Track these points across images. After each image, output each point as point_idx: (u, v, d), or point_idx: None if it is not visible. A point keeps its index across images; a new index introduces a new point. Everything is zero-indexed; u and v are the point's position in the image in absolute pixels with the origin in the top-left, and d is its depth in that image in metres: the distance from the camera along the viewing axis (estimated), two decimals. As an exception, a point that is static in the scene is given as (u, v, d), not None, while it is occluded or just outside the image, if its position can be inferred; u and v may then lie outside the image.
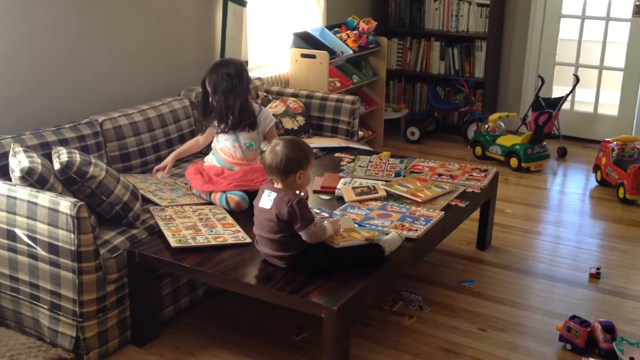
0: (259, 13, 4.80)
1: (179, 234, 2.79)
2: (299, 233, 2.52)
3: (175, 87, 4.05)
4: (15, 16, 3.15)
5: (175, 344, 2.90)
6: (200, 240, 2.75)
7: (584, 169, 5.28)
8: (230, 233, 2.84)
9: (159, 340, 2.91)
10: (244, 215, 3.05)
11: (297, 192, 2.62)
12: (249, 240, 2.78)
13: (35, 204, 2.58)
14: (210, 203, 3.17)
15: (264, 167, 2.62)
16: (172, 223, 2.90)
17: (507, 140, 5.27)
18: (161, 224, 2.89)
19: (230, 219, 2.99)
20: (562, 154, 5.56)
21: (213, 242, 2.74)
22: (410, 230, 2.86)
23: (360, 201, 3.17)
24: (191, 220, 2.94)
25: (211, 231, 2.84)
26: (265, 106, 4.28)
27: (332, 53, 4.95)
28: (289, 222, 2.50)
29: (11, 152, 2.81)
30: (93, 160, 2.86)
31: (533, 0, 5.89)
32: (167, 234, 2.78)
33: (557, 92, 5.88)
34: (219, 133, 3.32)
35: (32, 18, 3.22)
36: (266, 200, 2.57)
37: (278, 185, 2.60)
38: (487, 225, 3.79)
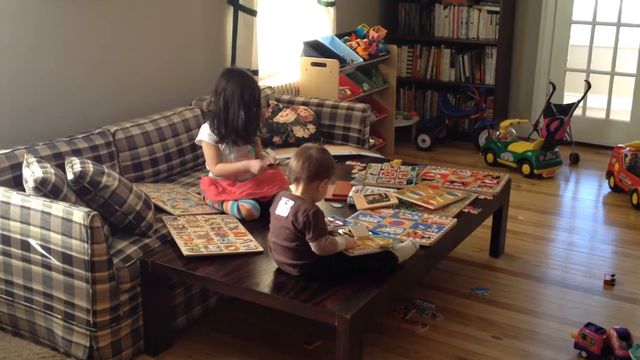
0: (269, 22, 4.82)
1: (191, 243, 2.79)
2: (310, 244, 2.52)
3: (187, 97, 4.06)
4: (29, 30, 3.18)
5: (188, 353, 2.90)
6: (212, 249, 2.75)
7: (597, 175, 5.25)
8: (242, 242, 2.84)
9: (172, 350, 2.91)
10: (256, 224, 3.05)
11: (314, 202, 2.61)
12: (261, 249, 2.78)
13: (49, 214, 2.59)
14: (223, 213, 3.18)
15: (290, 169, 2.61)
16: (184, 232, 2.90)
17: (518, 147, 5.25)
18: (173, 232, 2.90)
19: (242, 228, 2.99)
20: (575, 161, 5.54)
21: (225, 251, 2.74)
22: (422, 237, 2.85)
23: (372, 209, 3.17)
24: (203, 230, 2.94)
25: (223, 240, 2.84)
26: (276, 115, 4.30)
27: (343, 61, 4.95)
28: (303, 231, 2.50)
29: (25, 163, 2.83)
30: (106, 170, 2.87)
31: (543, 6, 5.89)
32: (180, 243, 2.79)
33: (569, 98, 5.86)
34: (241, 145, 3.31)
35: (44, 31, 3.25)
36: (283, 207, 2.57)
37: (298, 192, 2.60)
38: (500, 232, 3.77)
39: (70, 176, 2.75)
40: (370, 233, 2.82)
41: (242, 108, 3.21)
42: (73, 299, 2.64)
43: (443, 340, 3.01)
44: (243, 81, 3.24)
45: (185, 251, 2.72)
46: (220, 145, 3.27)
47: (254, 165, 3.22)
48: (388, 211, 3.15)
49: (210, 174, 3.32)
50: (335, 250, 2.55)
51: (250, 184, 3.21)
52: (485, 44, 5.87)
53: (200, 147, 3.48)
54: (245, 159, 3.32)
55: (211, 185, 3.26)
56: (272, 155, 3.72)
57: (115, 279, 2.65)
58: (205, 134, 3.28)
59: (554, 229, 4.26)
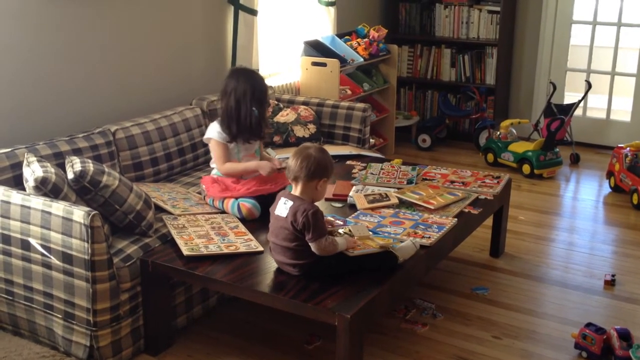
0: (270, 22, 4.82)
1: (192, 243, 2.79)
2: (310, 244, 2.52)
3: (187, 96, 4.06)
4: (29, 30, 3.18)
5: (188, 353, 2.90)
6: (213, 249, 2.75)
7: (597, 175, 5.25)
8: (242, 241, 2.84)
9: (172, 349, 2.91)
10: (256, 223, 3.05)
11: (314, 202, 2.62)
12: (261, 248, 2.78)
13: (49, 213, 2.59)
14: (223, 212, 3.18)
15: (288, 168, 2.61)
16: (184, 231, 2.90)
17: (519, 147, 5.25)
18: (174, 232, 2.89)
19: (242, 228, 2.99)
20: (575, 161, 5.53)
21: (225, 251, 2.74)
22: (423, 237, 2.85)
23: (372, 209, 3.17)
24: (204, 229, 2.94)
25: (223, 240, 2.84)
26: (276, 114, 4.30)
27: (343, 61, 4.95)
28: (303, 231, 2.50)
29: (25, 162, 2.83)
30: (106, 170, 2.87)
31: (544, 6, 5.88)
32: (180, 243, 2.79)
33: (569, 98, 5.86)
34: (252, 142, 3.32)
35: (44, 31, 3.25)
36: (282, 208, 2.57)
37: (296, 192, 2.60)
38: (500, 232, 3.77)
39: (70, 175, 2.75)
40: (371, 233, 2.82)
41: (255, 105, 3.24)
42: (73, 299, 2.64)
43: (443, 340, 3.01)
44: (253, 79, 3.27)
45: (185, 251, 2.72)
46: (229, 144, 3.28)
47: (264, 166, 3.22)
48: (388, 211, 3.15)
49: (213, 173, 3.32)
50: (336, 250, 2.55)
51: (254, 182, 3.21)
52: (485, 43, 5.87)
53: (202, 147, 3.49)
54: (252, 157, 3.33)
55: (214, 183, 3.26)
56: (273, 155, 3.72)
57: (115, 279, 2.65)
58: (214, 132, 3.28)
59: (555, 229, 4.26)
